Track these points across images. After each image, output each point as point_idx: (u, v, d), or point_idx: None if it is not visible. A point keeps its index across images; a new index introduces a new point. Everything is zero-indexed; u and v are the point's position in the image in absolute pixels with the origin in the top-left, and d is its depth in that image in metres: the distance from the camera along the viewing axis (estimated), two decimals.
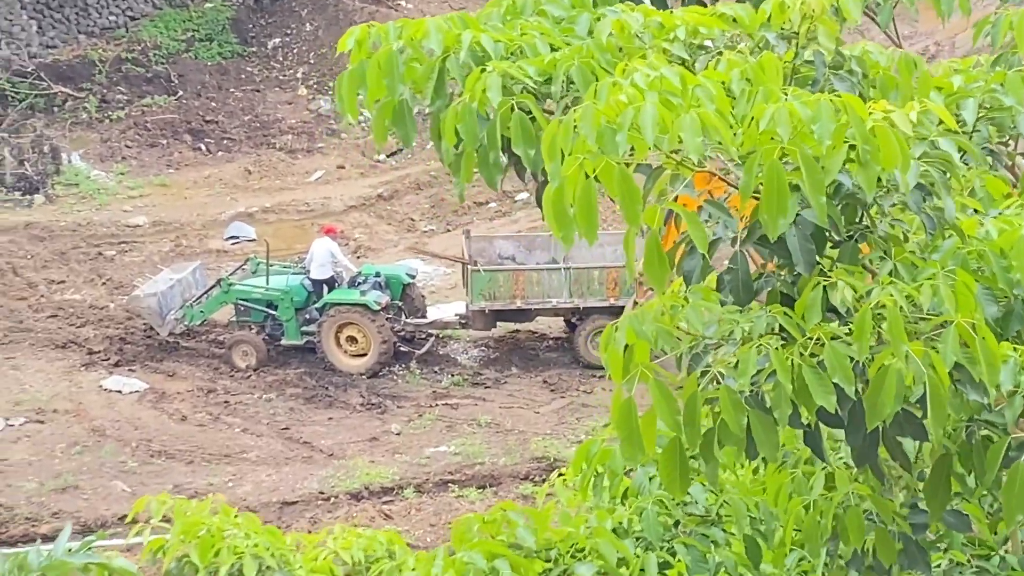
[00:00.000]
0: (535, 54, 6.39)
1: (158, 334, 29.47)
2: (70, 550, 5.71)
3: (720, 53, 6.29)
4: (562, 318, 30.14)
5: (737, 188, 5.73)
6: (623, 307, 28.75)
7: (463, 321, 29.59)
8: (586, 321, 28.74)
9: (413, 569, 6.80)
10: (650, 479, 7.42)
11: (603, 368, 27.76)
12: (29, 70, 43.73)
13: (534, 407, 27.15)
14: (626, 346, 5.87)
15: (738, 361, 5.68)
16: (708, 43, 6.52)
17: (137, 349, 29.65)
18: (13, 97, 42.66)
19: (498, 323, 29.50)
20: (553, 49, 6.42)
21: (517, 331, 30.24)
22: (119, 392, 28.00)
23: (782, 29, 6.48)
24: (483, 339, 29.99)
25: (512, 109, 6.12)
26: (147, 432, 26.42)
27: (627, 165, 5.52)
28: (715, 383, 5.73)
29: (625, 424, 5.80)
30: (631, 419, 5.78)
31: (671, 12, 6.56)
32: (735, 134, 5.63)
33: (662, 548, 6.99)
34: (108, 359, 29.28)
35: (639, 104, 5.50)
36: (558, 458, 24.25)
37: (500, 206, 37.57)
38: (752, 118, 5.59)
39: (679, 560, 6.99)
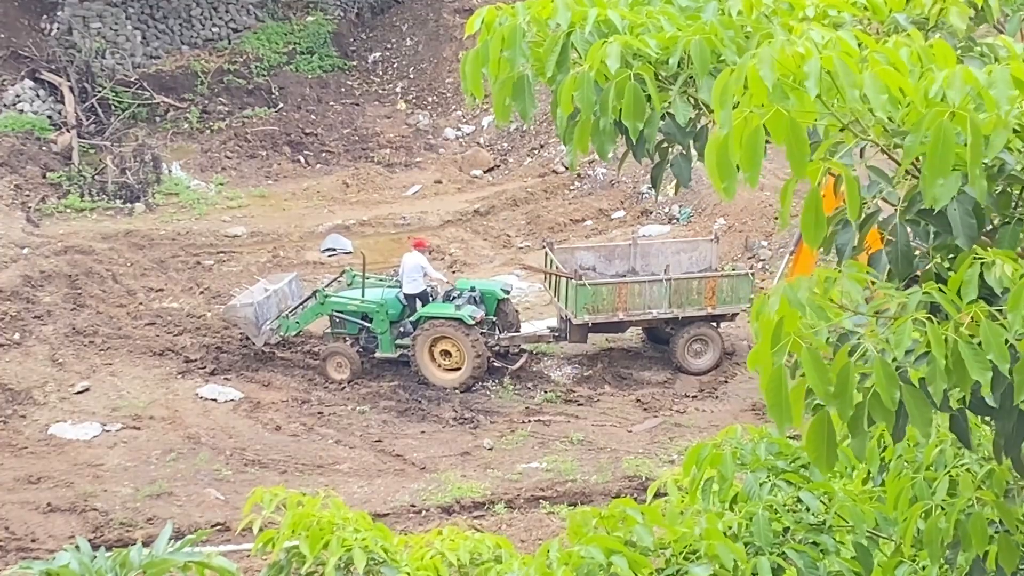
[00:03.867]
0: (659, 32, 6.36)
1: (254, 344, 29.64)
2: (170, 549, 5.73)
3: None
4: (641, 328, 30.18)
5: (898, 161, 5.67)
6: (719, 315, 28.74)
7: (556, 334, 29.59)
8: (684, 330, 28.73)
9: (523, 564, 6.77)
10: (760, 484, 7.36)
11: (699, 376, 27.95)
12: (132, 80, 44.29)
13: (626, 426, 27.02)
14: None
15: (891, 335, 5.59)
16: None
17: (233, 358, 29.84)
18: (116, 106, 43.21)
19: (590, 334, 29.49)
20: (678, 30, 6.38)
21: (611, 349, 30.16)
22: (214, 400, 28.19)
23: (914, 13, 6.40)
24: (577, 356, 29.92)
25: (628, 80, 6.09)
26: (241, 441, 26.58)
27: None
28: (867, 357, 5.65)
29: (774, 392, 5.69)
30: (781, 387, 5.66)
31: None
32: (903, 106, 5.56)
33: (772, 554, 6.94)
34: (204, 367, 29.49)
35: (826, 56, 5.45)
36: (649, 477, 24.11)
37: (596, 224, 37.52)
38: (923, 90, 5.51)
39: (790, 566, 6.93)
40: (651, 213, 37.28)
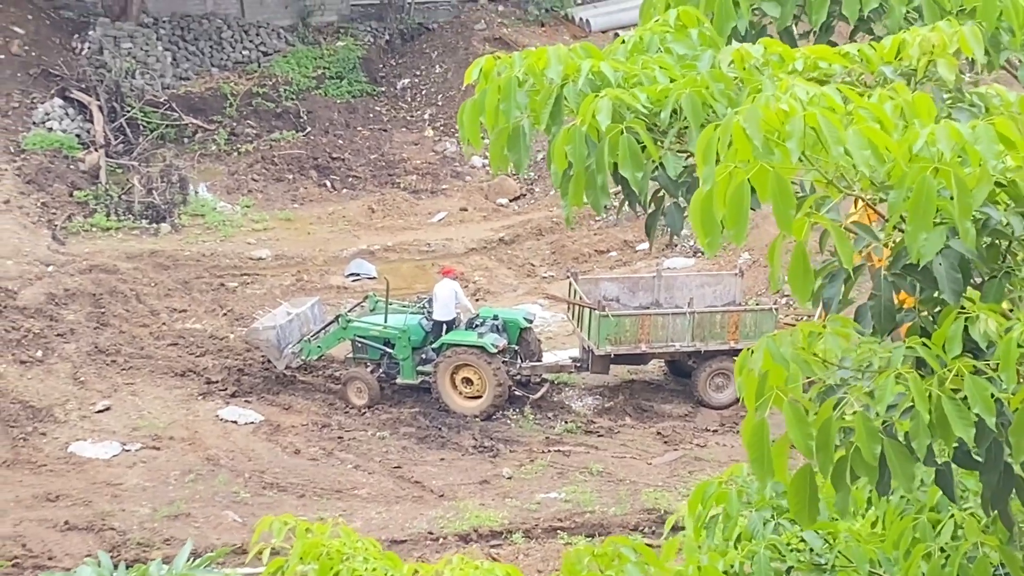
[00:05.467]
0: (652, 84, 6.36)
1: (275, 367, 29.66)
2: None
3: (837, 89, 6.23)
4: (663, 360, 30.07)
5: (883, 215, 5.67)
6: (742, 350, 28.62)
7: (578, 364, 29.54)
8: (706, 363, 28.64)
9: None
10: (764, 523, 7.33)
11: (720, 410, 27.85)
12: (162, 100, 44.37)
13: (646, 458, 26.96)
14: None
15: (875, 390, 5.59)
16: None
17: (254, 381, 29.85)
18: (145, 127, 43.28)
19: (612, 366, 29.42)
20: (671, 81, 6.39)
21: (633, 381, 30.10)
22: (235, 423, 28.21)
23: (901, 65, 6.39)
24: (598, 387, 29.87)
25: (621, 134, 6.09)
26: (260, 464, 26.58)
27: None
28: (850, 412, 5.65)
29: (756, 446, 5.74)
30: (762, 441, 5.73)
31: (796, 48, 6.50)
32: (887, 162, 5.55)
33: None
34: (225, 389, 29.51)
35: (810, 113, 5.44)
36: (668, 510, 24.06)
37: (620, 255, 37.50)
38: (907, 145, 5.50)
39: None
40: (676, 246, 37.24)
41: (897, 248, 5.84)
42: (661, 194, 6.61)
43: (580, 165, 6.22)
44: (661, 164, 6.27)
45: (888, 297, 5.87)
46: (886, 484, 5.74)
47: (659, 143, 6.24)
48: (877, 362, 5.76)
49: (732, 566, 7.14)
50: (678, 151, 6.28)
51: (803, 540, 7.26)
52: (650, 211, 6.65)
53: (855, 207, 6.01)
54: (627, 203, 6.53)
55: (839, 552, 7.15)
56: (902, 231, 5.69)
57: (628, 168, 6.11)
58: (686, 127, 6.15)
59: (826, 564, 7.21)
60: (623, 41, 6.88)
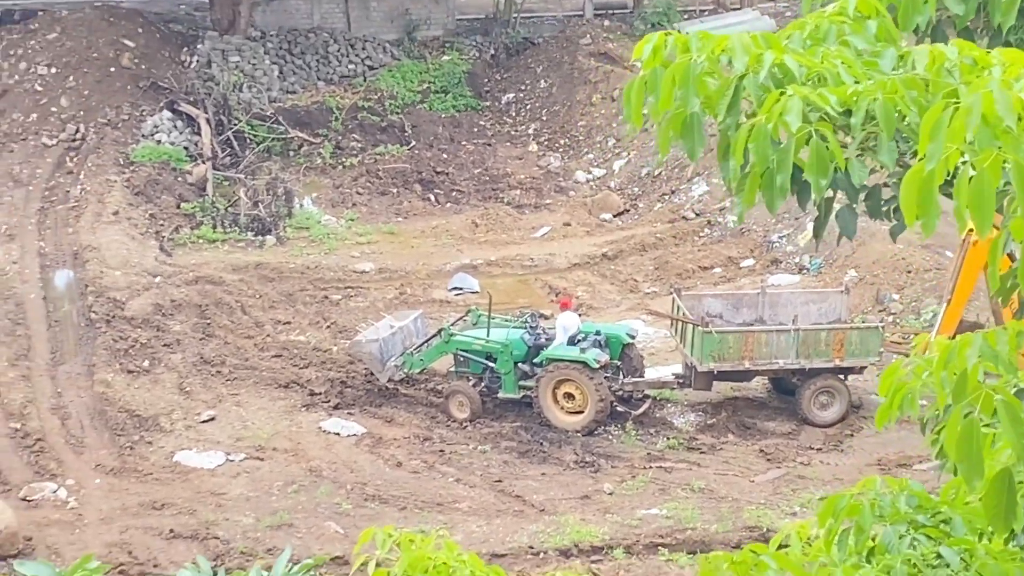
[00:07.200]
0: (837, 83, 6.23)
1: (378, 380, 29.75)
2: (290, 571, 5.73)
3: None
4: (767, 377, 29.82)
5: None
6: (847, 368, 28.32)
7: (680, 381, 29.36)
8: (810, 381, 28.39)
9: None
10: (900, 537, 7.17)
11: (825, 428, 27.52)
12: (268, 114, 44.78)
13: (749, 475, 26.74)
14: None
15: None
16: None
17: (357, 393, 29.96)
18: (251, 139, 43.69)
19: (715, 382, 29.21)
20: (855, 81, 6.26)
21: (736, 398, 29.90)
22: (337, 434, 28.31)
23: None
24: (700, 403, 29.68)
25: (809, 136, 6.01)
26: (362, 475, 26.65)
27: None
28: None
29: (966, 445, 5.55)
30: (973, 440, 5.53)
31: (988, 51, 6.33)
32: None
33: None
34: (328, 401, 29.64)
35: None
36: (771, 528, 23.84)
37: (725, 272, 37.29)
38: None
39: None
40: (781, 262, 37.01)
41: None
42: (832, 197, 6.50)
43: (762, 164, 6.11)
44: (843, 170, 6.16)
45: None
46: None
47: (843, 147, 6.14)
48: None
49: None
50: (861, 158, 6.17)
51: (940, 556, 7.10)
52: (821, 212, 6.54)
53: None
54: (799, 202, 6.42)
55: (976, 571, 6.98)
56: None
57: (814, 173, 6.01)
58: (873, 133, 6.05)
59: None
60: (800, 27, 6.75)
